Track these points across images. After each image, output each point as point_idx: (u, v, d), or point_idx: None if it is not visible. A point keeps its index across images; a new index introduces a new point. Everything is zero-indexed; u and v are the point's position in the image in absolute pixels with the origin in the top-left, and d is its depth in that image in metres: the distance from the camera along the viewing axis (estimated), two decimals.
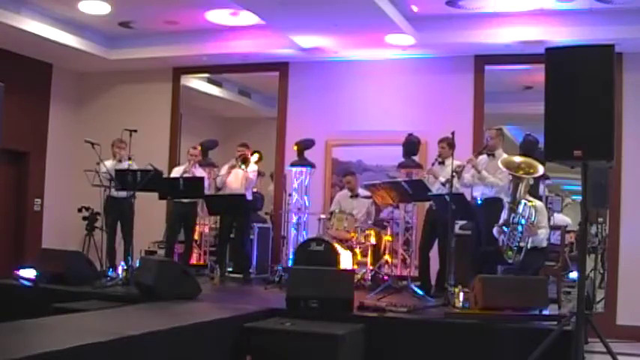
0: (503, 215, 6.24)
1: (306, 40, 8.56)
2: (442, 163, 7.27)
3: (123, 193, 7.54)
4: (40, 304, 5.52)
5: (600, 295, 8.17)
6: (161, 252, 8.89)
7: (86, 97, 10.63)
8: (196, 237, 9.06)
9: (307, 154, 8.69)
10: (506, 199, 6.29)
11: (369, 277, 7.66)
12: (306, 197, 8.74)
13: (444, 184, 6.88)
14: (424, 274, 7.29)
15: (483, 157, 6.84)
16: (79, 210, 9.40)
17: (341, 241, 7.60)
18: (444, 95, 8.83)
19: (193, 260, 8.92)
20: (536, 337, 4.72)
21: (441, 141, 7.37)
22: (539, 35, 7.82)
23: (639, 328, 7.62)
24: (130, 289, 6.37)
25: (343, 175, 8.53)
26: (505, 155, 6.68)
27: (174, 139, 10.06)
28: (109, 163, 7.87)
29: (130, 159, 7.79)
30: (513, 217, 6.11)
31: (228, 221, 8.23)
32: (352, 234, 7.69)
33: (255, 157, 8.58)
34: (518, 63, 8.61)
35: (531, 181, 6.35)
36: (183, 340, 4.47)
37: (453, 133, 6.33)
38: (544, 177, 7.05)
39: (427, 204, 7.46)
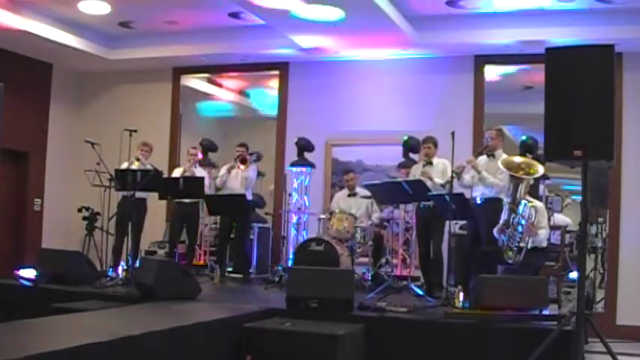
0: (504, 216, 6.24)
1: (306, 40, 8.56)
2: (430, 163, 7.28)
3: (141, 194, 7.57)
4: (40, 304, 5.53)
5: (600, 295, 8.17)
6: (161, 252, 8.90)
7: (86, 97, 10.63)
8: (197, 237, 9.05)
9: (307, 154, 8.69)
10: (506, 200, 6.28)
11: (369, 277, 7.66)
12: (306, 197, 8.74)
13: (443, 186, 6.87)
14: (426, 275, 7.30)
15: (483, 158, 6.83)
16: (79, 210, 9.41)
17: (341, 241, 7.60)
18: (444, 95, 8.83)
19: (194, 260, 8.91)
20: (536, 337, 4.72)
21: (425, 141, 7.37)
22: (539, 35, 7.81)
23: (639, 328, 7.62)
24: (130, 289, 6.37)
25: (344, 172, 8.52)
26: (505, 156, 6.67)
27: (174, 139, 10.06)
28: (127, 165, 7.80)
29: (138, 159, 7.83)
30: (513, 218, 6.10)
31: (228, 221, 8.23)
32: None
33: (254, 157, 8.57)
34: (518, 63, 8.61)
35: (531, 182, 6.35)
36: (184, 340, 4.47)
37: (453, 133, 6.32)
38: (544, 177, 7.04)
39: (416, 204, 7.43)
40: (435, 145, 7.30)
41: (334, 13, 7.53)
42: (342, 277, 5.92)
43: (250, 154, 8.38)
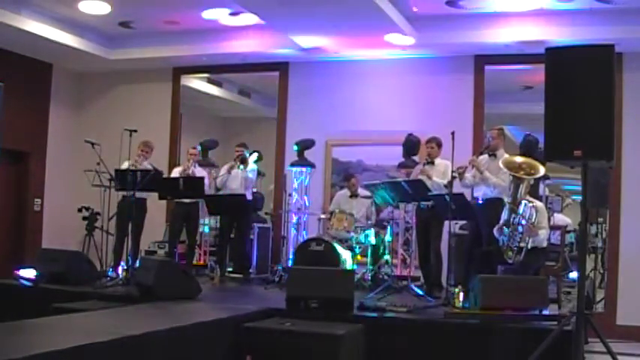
0: (504, 215, 6.24)
1: (306, 40, 8.56)
2: (431, 162, 7.28)
3: (141, 194, 7.57)
4: (40, 304, 5.52)
5: (600, 295, 8.17)
6: (161, 252, 8.90)
7: (86, 97, 10.62)
8: (196, 237, 9.05)
9: (307, 154, 8.69)
10: (506, 199, 6.28)
11: (369, 277, 7.66)
12: (306, 197, 8.74)
13: (446, 186, 6.87)
14: (425, 275, 7.29)
15: (484, 157, 6.83)
16: (79, 210, 9.40)
17: (341, 241, 7.60)
18: (444, 95, 8.83)
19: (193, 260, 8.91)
20: (536, 337, 4.72)
21: (429, 141, 7.38)
22: (539, 35, 7.82)
23: (639, 328, 7.62)
24: (130, 289, 6.37)
25: (346, 178, 8.49)
26: (506, 155, 6.68)
27: (174, 139, 10.05)
28: (127, 165, 7.78)
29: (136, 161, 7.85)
30: (514, 218, 6.10)
31: (228, 221, 8.23)
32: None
33: (255, 156, 8.57)
34: (518, 63, 8.61)
35: (532, 182, 6.35)
36: (183, 340, 4.47)
37: (453, 133, 6.32)
38: (544, 177, 7.05)
39: (416, 204, 7.42)
40: (439, 145, 7.30)
41: None
42: (342, 277, 5.92)
43: (250, 153, 8.38)
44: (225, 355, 4.95)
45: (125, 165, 7.69)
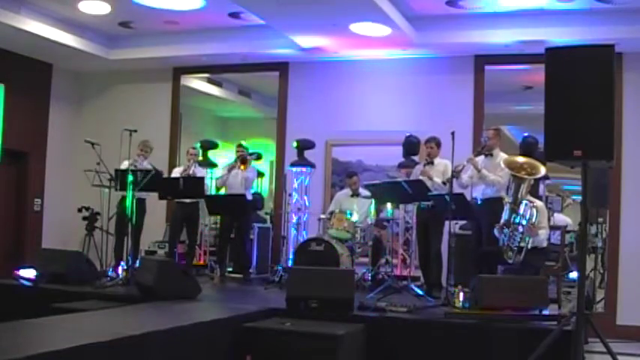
0: (504, 215, 6.24)
1: (306, 40, 8.56)
2: (431, 163, 7.27)
3: (140, 194, 7.56)
4: (40, 304, 5.53)
5: (600, 295, 8.17)
6: (161, 252, 8.90)
7: (86, 97, 10.62)
8: (197, 237, 9.04)
9: (307, 154, 8.68)
10: (507, 199, 6.28)
11: (369, 277, 7.66)
12: (306, 197, 8.74)
13: (444, 183, 6.87)
14: (425, 275, 7.29)
15: (481, 157, 6.83)
16: (79, 210, 9.40)
17: (341, 241, 7.60)
18: (444, 95, 8.82)
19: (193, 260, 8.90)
20: (536, 337, 4.73)
21: (428, 141, 7.37)
22: (539, 35, 7.81)
23: (639, 328, 7.62)
24: (130, 289, 6.38)
25: (348, 175, 8.50)
26: (503, 155, 6.68)
27: (174, 139, 10.05)
28: (127, 165, 7.78)
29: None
30: (514, 218, 6.11)
31: (229, 221, 8.23)
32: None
33: (254, 157, 8.57)
34: (518, 63, 8.61)
35: (532, 182, 6.35)
36: (183, 340, 4.48)
37: (453, 133, 6.33)
38: (544, 177, 7.05)
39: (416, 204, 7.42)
40: (438, 145, 7.30)
41: None
42: (342, 277, 5.92)
43: (250, 154, 8.38)
44: (225, 355, 4.95)
45: (125, 165, 7.69)
